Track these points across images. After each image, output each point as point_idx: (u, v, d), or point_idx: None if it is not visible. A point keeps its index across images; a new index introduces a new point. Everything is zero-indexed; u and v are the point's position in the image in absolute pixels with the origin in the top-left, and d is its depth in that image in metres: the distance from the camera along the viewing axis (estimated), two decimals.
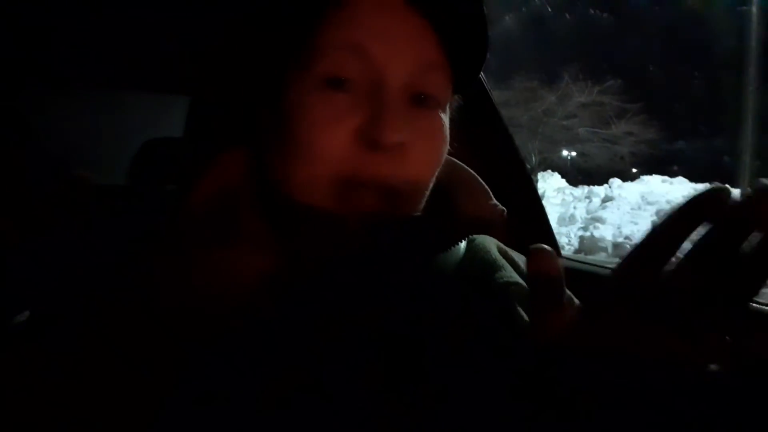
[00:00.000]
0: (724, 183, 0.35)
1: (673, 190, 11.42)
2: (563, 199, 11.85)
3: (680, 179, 12.10)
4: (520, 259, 0.64)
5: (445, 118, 0.53)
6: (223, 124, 0.56)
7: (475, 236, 0.62)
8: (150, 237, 0.49)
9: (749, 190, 0.31)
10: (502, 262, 0.60)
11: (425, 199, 0.53)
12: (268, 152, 0.51)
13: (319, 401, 0.42)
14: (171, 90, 1.52)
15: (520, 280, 0.58)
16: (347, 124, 0.47)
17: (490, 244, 0.62)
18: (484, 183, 0.62)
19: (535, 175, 13.72)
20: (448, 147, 0.54)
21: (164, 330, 0.43)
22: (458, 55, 0.51)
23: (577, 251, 9.22)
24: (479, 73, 0.55)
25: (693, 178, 11.90)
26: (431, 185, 0.53)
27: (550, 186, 13.14)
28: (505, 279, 0.56)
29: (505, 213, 0.59)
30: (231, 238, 0.49)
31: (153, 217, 0.53)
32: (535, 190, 1.43)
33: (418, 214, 0.53)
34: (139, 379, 0.42)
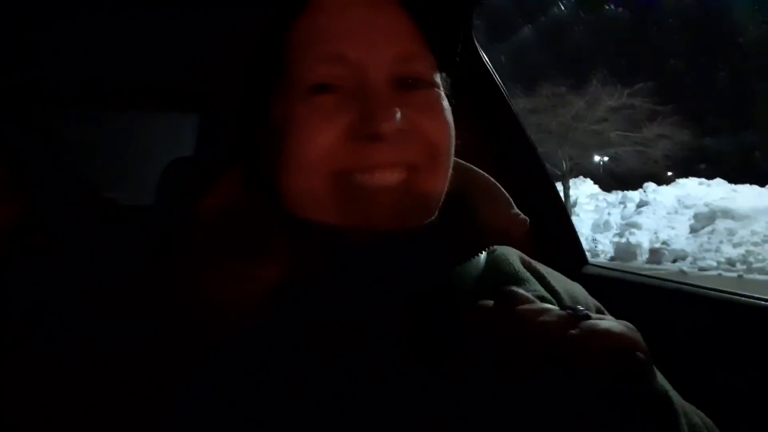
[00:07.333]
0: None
1: (711, 193, 11.10)
2: (596, 206, 11.60)
3: (718, 180, 11.75)
4: (546, 270, 0.62)
5: (441, 93, 0.53)
6: (225, 140, 0.57)
7: (496, 247, 0.59)
8: (165, 249, 0.51)
9: None
10: (526, 274, 0.57)
11: (448, 177, 0.52)
12: (268, 167, 0.51)
13: (325, 405, 0.42)
14: (185, 109, 1.56)
15: (546, 294, 0.56)
16: (336, 123, 0.47)
17: (513, 255, 0.59)
18: (504, 191, 0.60)
19: (567, 182, 13.49)
20: (452, 120, 0.53)
21: (179, 331, 0.44)
22: (436, 36, 0.51)
23: (612, 258, 9.02)
24: (459, 47, 0.55)
25: (725, 175, 11.53)
26: (451, 161, 0.53)
27: (583, 193, 12.88)
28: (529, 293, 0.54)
29: (528, 222, 0.57)
30: (243, 248, 0.49)
31: (174, 231, 0.55)
32: (558, 196, 1.38)
33: (433, 220, 0.52)
34: (150, 379, 0.42)
